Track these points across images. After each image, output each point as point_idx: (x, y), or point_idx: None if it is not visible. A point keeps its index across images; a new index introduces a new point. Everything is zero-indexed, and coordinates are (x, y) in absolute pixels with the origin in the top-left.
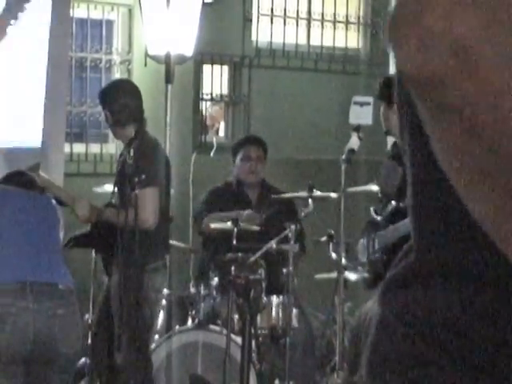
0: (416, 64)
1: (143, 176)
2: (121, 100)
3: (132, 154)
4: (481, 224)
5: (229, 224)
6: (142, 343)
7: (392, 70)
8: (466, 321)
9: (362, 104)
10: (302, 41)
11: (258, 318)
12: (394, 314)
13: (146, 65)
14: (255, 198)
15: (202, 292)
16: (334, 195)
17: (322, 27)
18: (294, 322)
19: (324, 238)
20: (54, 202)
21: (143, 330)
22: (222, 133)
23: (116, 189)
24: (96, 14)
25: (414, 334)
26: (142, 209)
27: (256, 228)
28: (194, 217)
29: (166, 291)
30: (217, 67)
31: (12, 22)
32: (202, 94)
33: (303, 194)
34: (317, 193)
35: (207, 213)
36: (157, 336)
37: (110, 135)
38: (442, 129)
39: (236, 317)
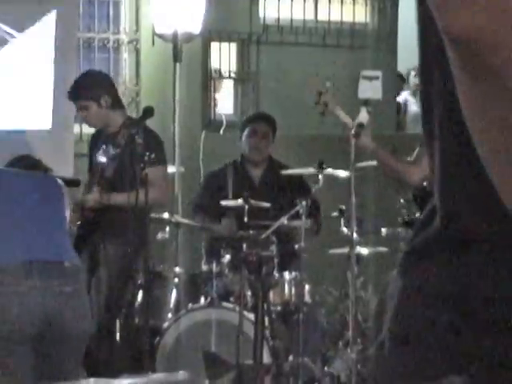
0: (468, 23)
1: (154, 155)
2: (114, 84)
3: (142, 134)
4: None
5: (240, 201)
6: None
7: (400, 43)
8: (493, 291)
9: (370, 78)
10: (310, 16)
11: (271, 294)
12: (416, 285)
13: (153, 44)
14: (259, 177)
15: (214, 269)
16: (343, 173)
17: (330, 2)
18: (307, 298)
19: (335, 214)
20: (60, 182)
21: (152, 312)
22: (230, 110)
23: (91, 172)
24: None
25: (437, 306)
26: (158, 186)
27: (267, 205)
28: (191, 208)
29: (178, 269)
30: (225, 44)
31: None
32: (211, 71)
33: (313, 170)
34: (327, 169)
35: (204, 201)
36: (170, 314)
37: None
38: (481, 91)
39: (248, 293)
